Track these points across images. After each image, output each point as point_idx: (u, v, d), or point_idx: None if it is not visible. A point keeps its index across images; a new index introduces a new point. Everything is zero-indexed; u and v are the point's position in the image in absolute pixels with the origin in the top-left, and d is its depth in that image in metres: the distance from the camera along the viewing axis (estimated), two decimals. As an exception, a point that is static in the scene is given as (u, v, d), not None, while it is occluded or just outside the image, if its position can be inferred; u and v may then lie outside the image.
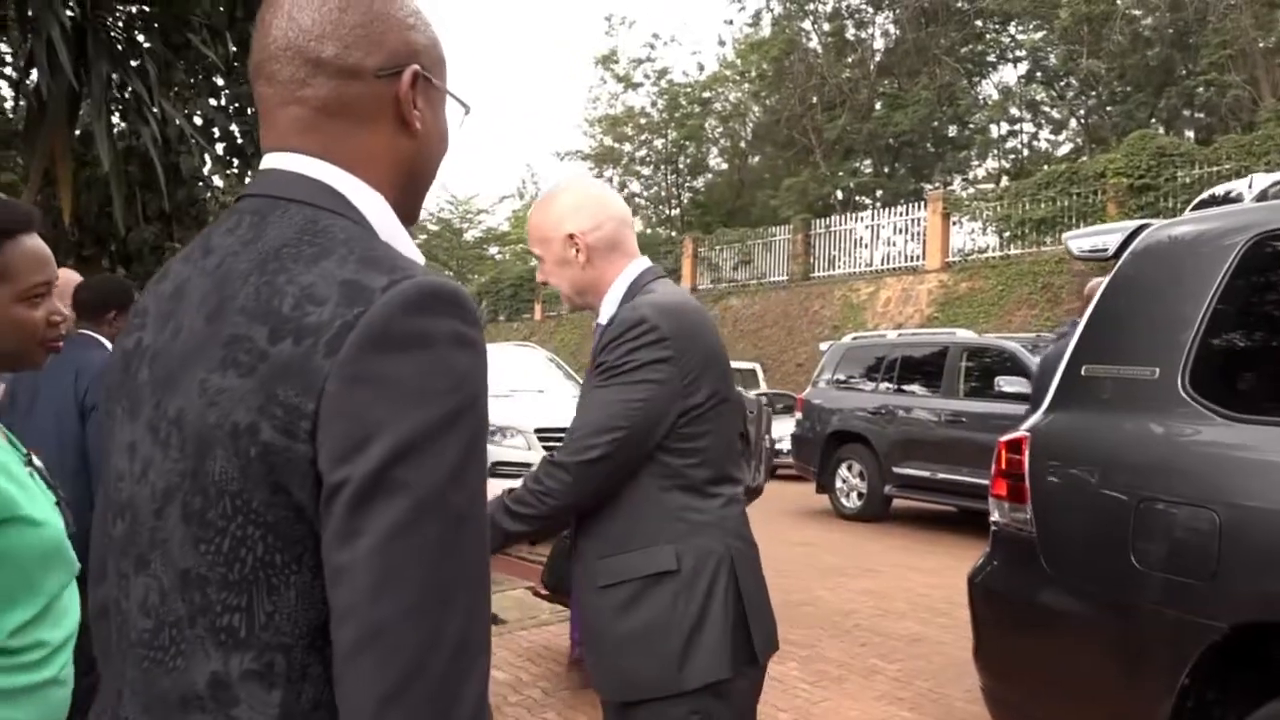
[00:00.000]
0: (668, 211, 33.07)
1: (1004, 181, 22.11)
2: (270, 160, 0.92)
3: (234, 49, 6.86)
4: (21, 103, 6.45)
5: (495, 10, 73.37)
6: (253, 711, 0.79)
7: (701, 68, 31.66)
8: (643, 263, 1.96)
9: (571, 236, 1.88)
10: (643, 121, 31.67)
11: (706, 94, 31.13)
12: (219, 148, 7.14)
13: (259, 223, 0.88)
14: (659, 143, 31.97)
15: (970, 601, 3.08)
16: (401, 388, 0.77)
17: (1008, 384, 8.38)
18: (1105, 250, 3.04)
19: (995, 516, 3.03)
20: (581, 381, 1.96)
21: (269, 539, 0.79)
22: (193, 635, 0.81)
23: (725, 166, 33.01)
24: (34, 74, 5.48)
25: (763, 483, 4.29)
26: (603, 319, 1.92)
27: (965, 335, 10.43)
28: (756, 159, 31.79)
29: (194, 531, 0.81)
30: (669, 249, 24.96)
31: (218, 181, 7.08)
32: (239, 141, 7.09)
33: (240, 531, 0.79)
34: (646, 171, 32.94)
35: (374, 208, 0.92)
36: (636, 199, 33.39)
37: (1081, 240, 3.19)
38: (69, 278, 3.40)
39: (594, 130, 32.73)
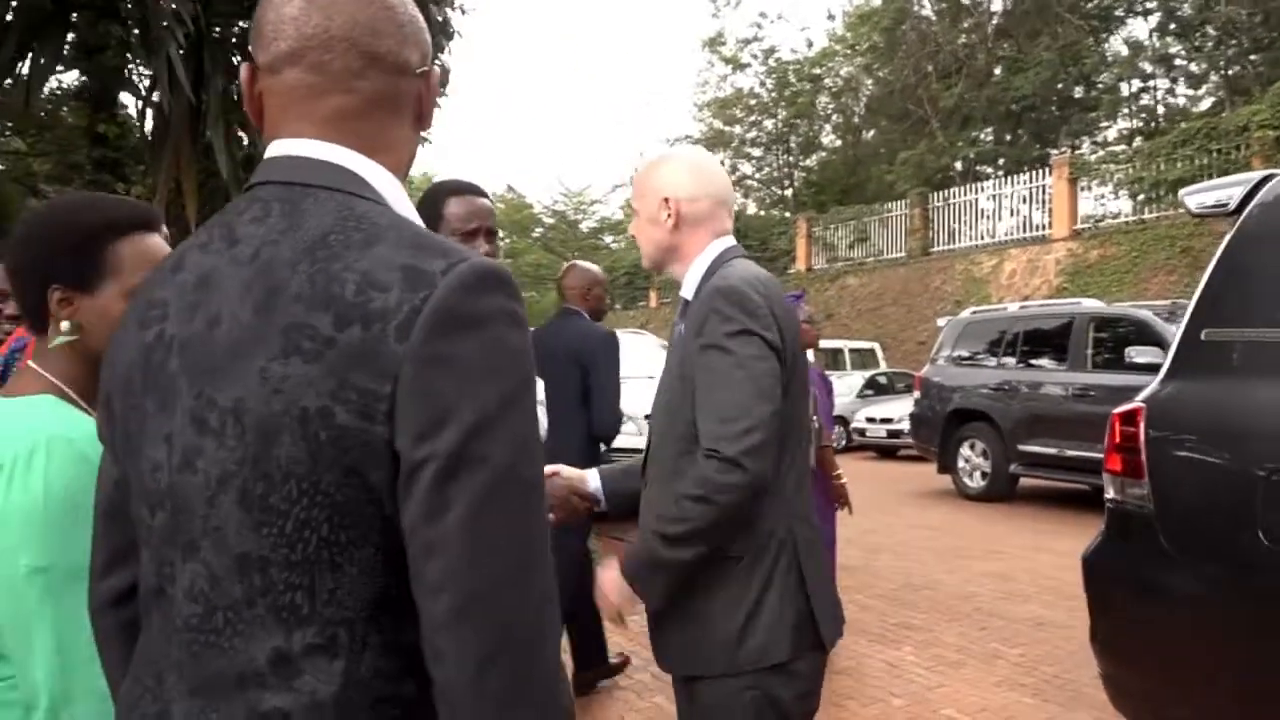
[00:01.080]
0: (780, 192, 32.64)
1: (1136, 142, 20.92)
2: (289, 147, 0.93)
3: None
4: (150, 119, 6.83)
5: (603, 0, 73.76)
6: (317, 682, 0.82)
7: (810, 44, 31.15)
8: (727, 240, 1.95)
9: (666, 200, 1.90)
10: (752, 103, 31.32)
11: (816, 70, 30.54)
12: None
13: (291, 211, 0.89)
14: (769, 123, 31.56)
15: (1085, 583, 2.92)
16: (471, 366, 0.82)
17: (1139, 354, 7.94)
18: (1227, 205, 2.82)
19: (1110, 493, 2.86)
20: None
21: (335, 519, 0.82)
22: (251, 615, 0.83)
23: (838, 143, 32.34)
24: (156, 94, 5.81)
25: (812, 465, 4.08)
26: (686, 293, 1.92)
27: (1092, 305, 9.92)
28: (870, 134, 31.02)
29: (254, 516, 0.83)
30: (782, 230, 24.66)
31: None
32: (350, 145, 7.34)
33: (305, 514, 0.82)
34: (757, 153, 32.59)
35: (396, 194, 0.96)
36: (748, 181, 33.08)
37: (1200, 195, 2.96)
38: None
39: (703, 114, 32.58)
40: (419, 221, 0.97)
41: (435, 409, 0.80)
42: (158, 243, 1.48)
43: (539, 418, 2.39)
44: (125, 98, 6.87)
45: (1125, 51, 24.43)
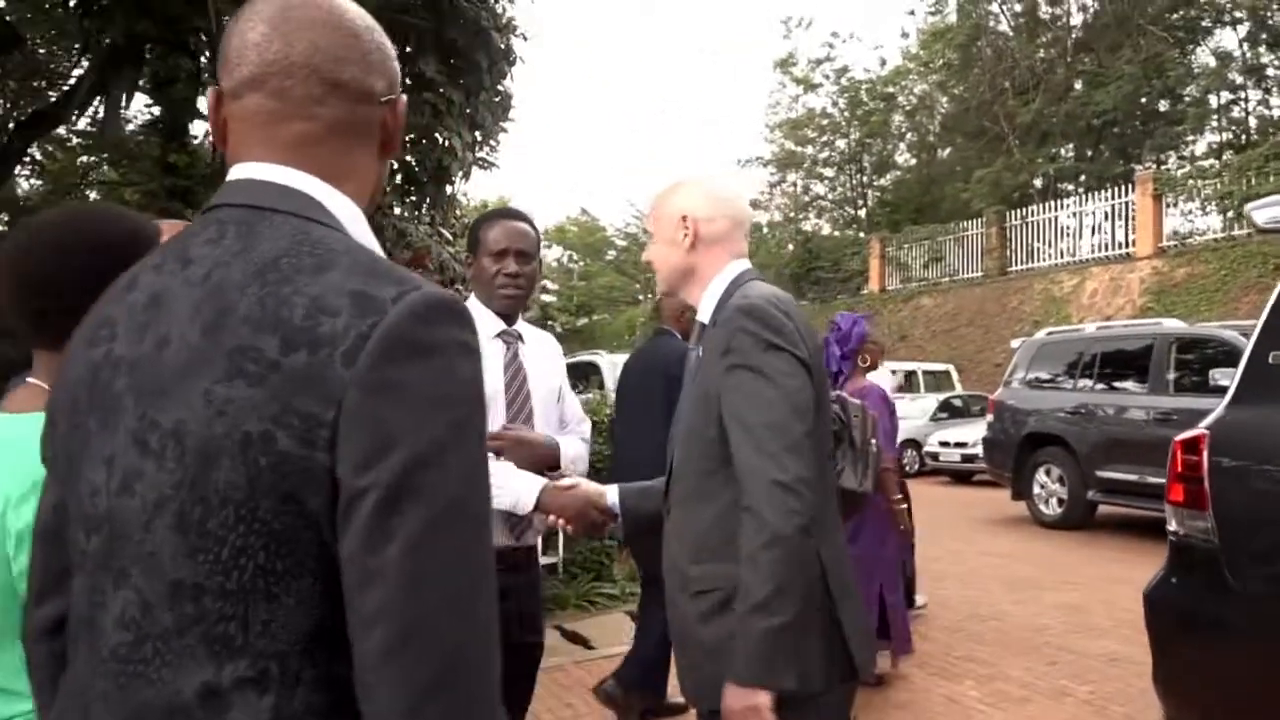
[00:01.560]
0: (853, 212, 32.28)
1: (1226, 156, 20.15)
2: (249, 171, 0.93)
3: (408, 82, 7.22)
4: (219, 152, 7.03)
5: (673, 20, 74.27)
6: (244, 717, 0.80)
7: (884, 62, 30.77)
8: (744, 263, 1.92)
9: (684, 218, 1.88)
10: (824, 123, 31.09)
11: (890, 89, 30.20)
12: (396, 178, 7.53)
13: (246, 233, 0.88)
14: (842, 143, 31.28)
15: (1147, 620, 2.77)
16: (418, 395, 0.80)
17: (1224, 377, 7.55)
18: (1297, 220, 2.67)
19: (1172, 525, 2.71)
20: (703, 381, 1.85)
21: (272, 546, 0.80)
22: (181, 646, 0.81)
23: (912, 162, 31.88)
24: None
25: (870, 489, 4.01)
26: (703, 316, 1.88)
27: (1173, 325, 9.54)
28: (946, 152, 30.49)
29: (190, 541, 0.81)
30: (855, 250, 24.38)
31: (395, 209, 7.46)
32: (414, 170, 7.46)
33: (242, 541, 0.80)
34: (830, 173, 32.30)
35: (355, 222, 0.96)
36: (820, 201, 32.80)
37: (1269, 210, 2.81)
38: None
39: (775, 135, 32.43)
40: (378, 249, 0.96)
41: (379, 436, 0.78)
42: None
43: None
44: (199, 127, 7.15)
45: (1213, 63, 23.60)
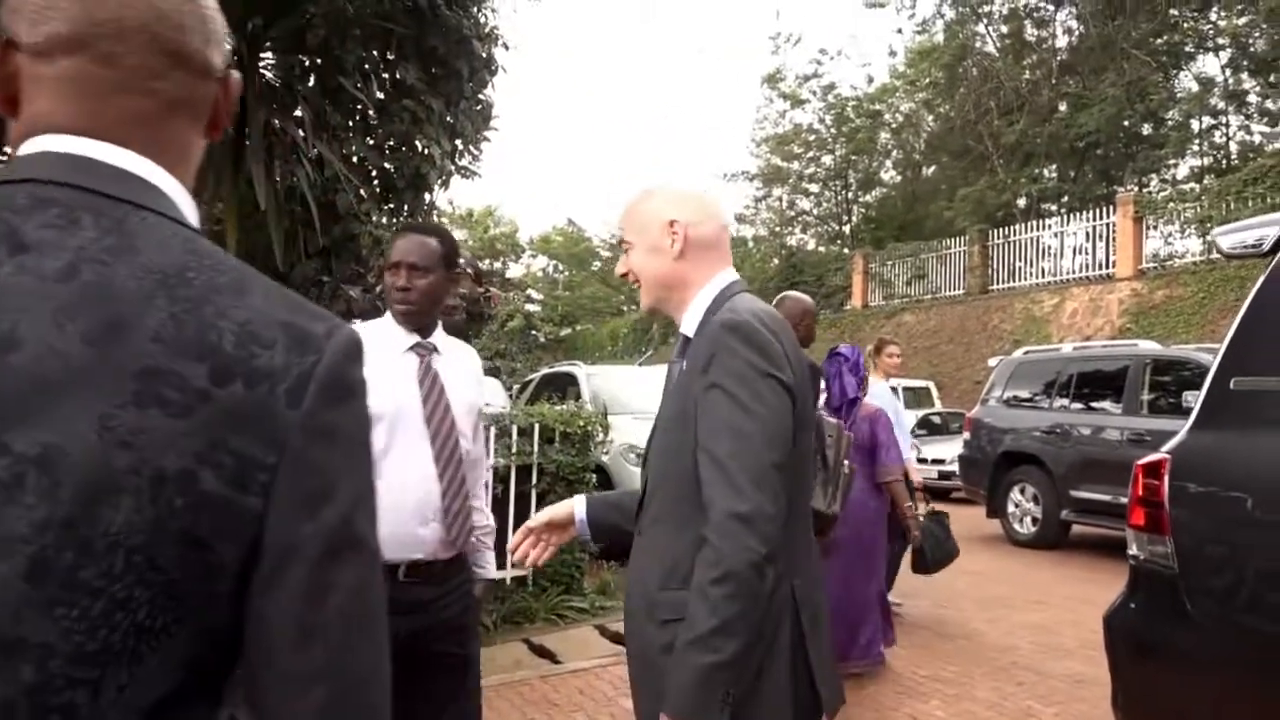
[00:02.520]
0: (838, 228, 32.41)
1: (1206, 180, 20.34)
2: (70, 145, 0.79)
3: (388, 89, 7.20)
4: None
5: (659, 34, 74.57)
6: None
7: (871, 80, 30.95)
8: (733, 273, 1.83)
9: (672, 223, 1.77)
10: (810, 138, 31.22)
11: (876, 106, 30.35)
12: (373, 185, 7.50)
13: (114, 228, 0.76)
14: (828, 159, 31.40)
15: (1107, 646, 2.77)
16: (351, 439, 0.78)
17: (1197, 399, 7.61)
18: (1260, 245, 2.67)
19: (1133, 549, 2.70)
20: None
21: (160, 601, 0.70)
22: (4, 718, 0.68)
23: (897, 179, 32.05)
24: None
25: (839, 509, 4.07)
26: (686, 329, 1.79)
27: (1149, 347, 9.59)
28: (930, 170, 30.67)
29: (48, 593, 0.67)
30: (839, 266, 24.44)
31: (372, 217, 7.42)
32: (392, 177, 7.43)
33: (125, 593, 0.69)
34: (815, 188, 32.42)
35: (193, 214, 0.85)
36: (805, 216, 32.89)
37: (1233, 235, 2.81)
38: None
39: (761, 150, 32.55)
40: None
41: (321, 483, 0.75)
42: None
43: None
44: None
45: (1195, 88, 23.83)
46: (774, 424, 1.59)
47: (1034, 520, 9.43)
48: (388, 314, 2.43)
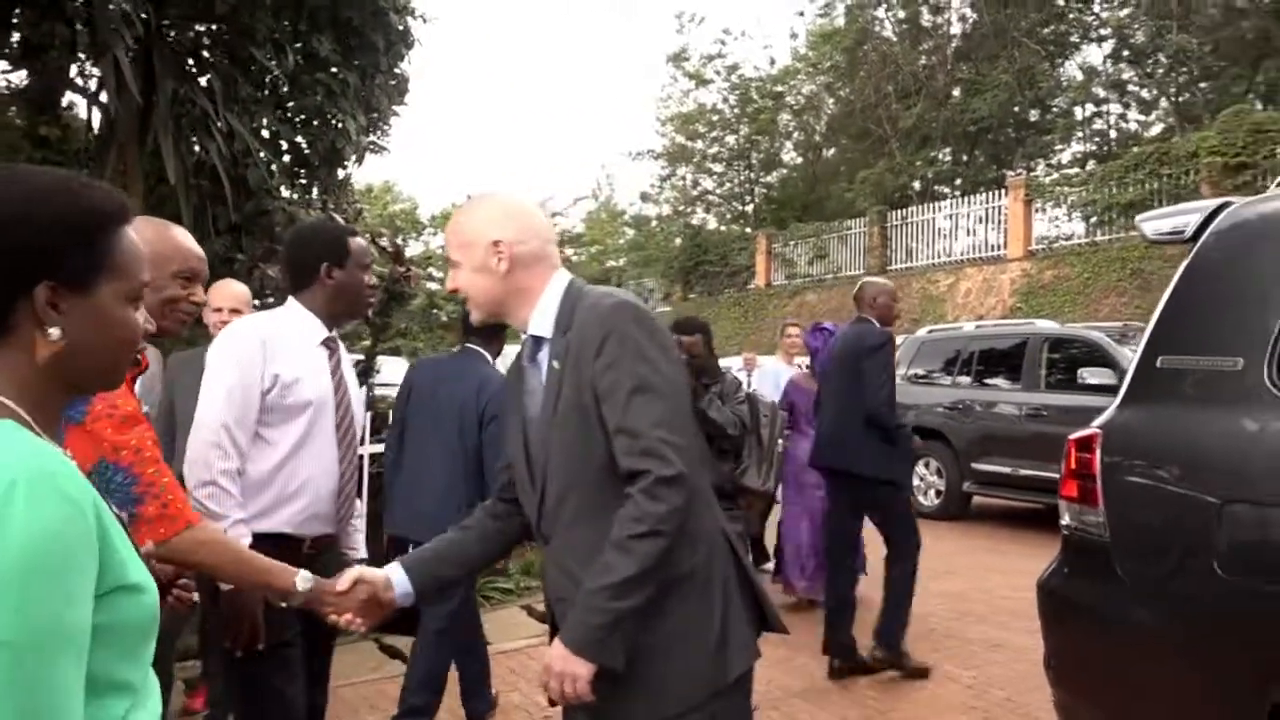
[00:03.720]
0: (741, 208, 32.80)
1: (1090, 165, 21.32)
2: None
3: (299, 61, 6.97)
4: (96, 123, 6.65)
5: (566, 11, 73.90)
6: None
7: (773, 61, 31.28)
8: (566, 274, 1.89)
9: (496, 244, 1.80)
10: (714, 118, 31.43)
11: (779, 88, 30.74)
12: (286, 159, 7.27)
13: None
14: (731, 139, 31.69)
15: (1040, 610, 2.91)
16: None
17: (1092, 376, 8.03)
18: (1183, 232, 2.82)
19: (1066, 519, 2.85)
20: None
21: None
22: None
23: (799, 161, 32.58)
24: (104, 93, 5.65)
25: (772, 488, 4.27)
26: (538, 330, 1.83)
27: (1046, 325, 10.04)
28: (831, 152, 31.29)
29: None
30: (743, 245, 24.74)
31: (285, 192, 7.20)
32: (305, 152, 7.22)
33: None
34: (719, 168, 32.69)
35: None
36: (709, 196, 33.16)
37: (1157, 222, 2.97)
38: (238, 290, 3.75)
39: (666, 129, 32.64)
40: None
41: None
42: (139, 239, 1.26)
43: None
44: (73, 99, 6.72)
45: (1080, 76, 24.92)
46: (679, 390, 1.72)
47: (938, 493, 9.80)
48: (293, 303, 2.50)
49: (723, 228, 31.02)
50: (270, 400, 2.35)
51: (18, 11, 5.35)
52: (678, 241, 28.90)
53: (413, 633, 3.94)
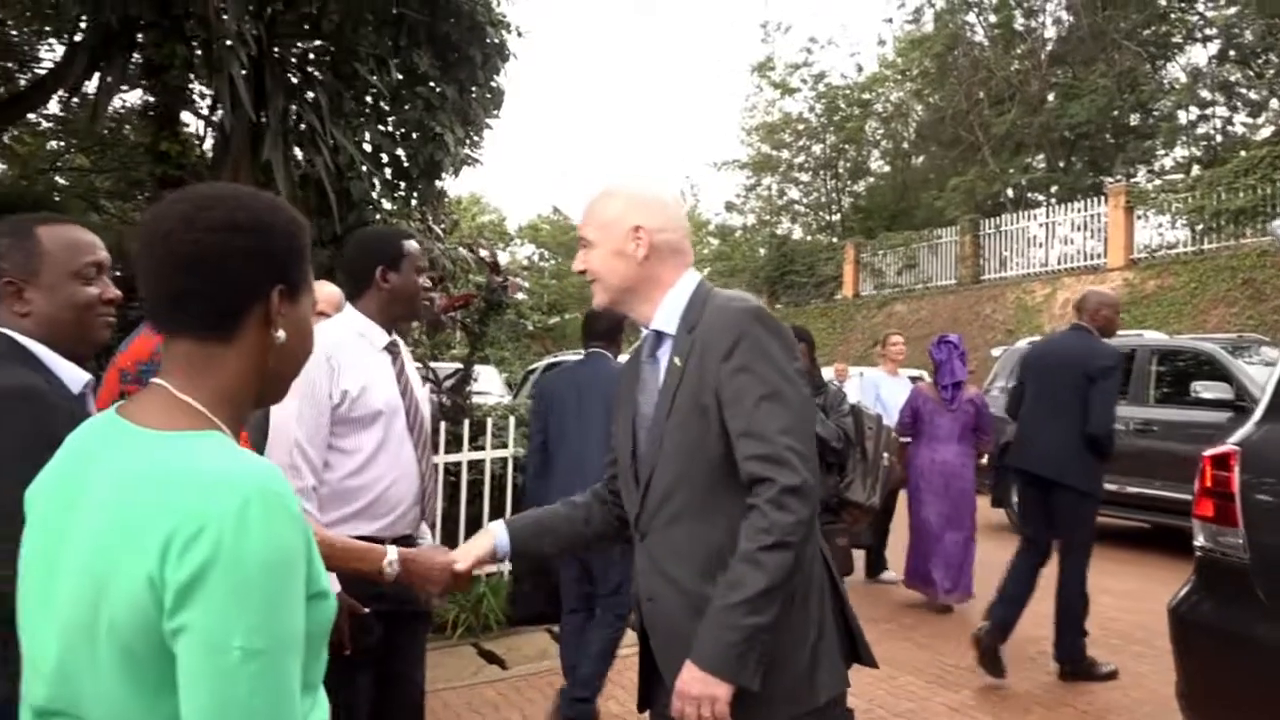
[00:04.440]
0: (828, 217, 32.45)
1: (1195, 170, 20.49)
2: None
3: (399, 77, 7.14)
4: (211, 138, 6.91)
5: (650, 23, 74.33)
6: None
7: (860, 69, 30.95)
8: (696, 274, 1.87)
9: (638, 229, 1.78)
10: (800, 127, 31.20)
11: (866, 95, 30.38)
12: (386, 172, 7.44)
13: None
14: (817, 148, 31.40)
15: (1172, 635, 2.78)
16: None
17: (1206, 389, 7.70)
18: (1326, 238, 2.68)
19: (1200, 540, 2.72)
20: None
21: None
22: None
23: (887, 169, 32.09)
24: (219, 110, 5.86)
25: (877, 502, 4.20)
26: (663, 325, 1.82)
27: (1155, 337, 9.67)
28: (920, 159, 30.74)
29: None
30: (829, 255, 24.46)
31: (386, 204, 7.37)
32: (404, 165, 7.37)
33: None
34: (805, 178, 32.43)
35: None
36: (795, 205, 32.92)
37: (1295, 227, 2.82)
38: (329, 291, 3.78)
39: (751, 138, 32.53)
40: None
41: None
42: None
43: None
44: (187, 116, 7.01)
45: (1184, 79, 24.00)
46: (807, 403, 1.70)
47: (1039, 509, 9.47)
48: (351, 310, 2.53)
49: (809, 237, 30.74)
50: (341, 413, 2.38)
51: (140, 33, 5.61)
52: (762, 251, 28.74)
53: (556, 620, 4.02)
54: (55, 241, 1.69)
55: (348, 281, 2.58)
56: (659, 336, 1.82)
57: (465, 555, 1.91)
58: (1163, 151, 24.38)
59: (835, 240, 27.34)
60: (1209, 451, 2.72)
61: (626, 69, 74.30)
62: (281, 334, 1.10)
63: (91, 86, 6.10)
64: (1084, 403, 4.63)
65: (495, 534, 1.94)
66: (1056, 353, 4.97)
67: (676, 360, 1.75)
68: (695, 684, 1.59)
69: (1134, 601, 6.31)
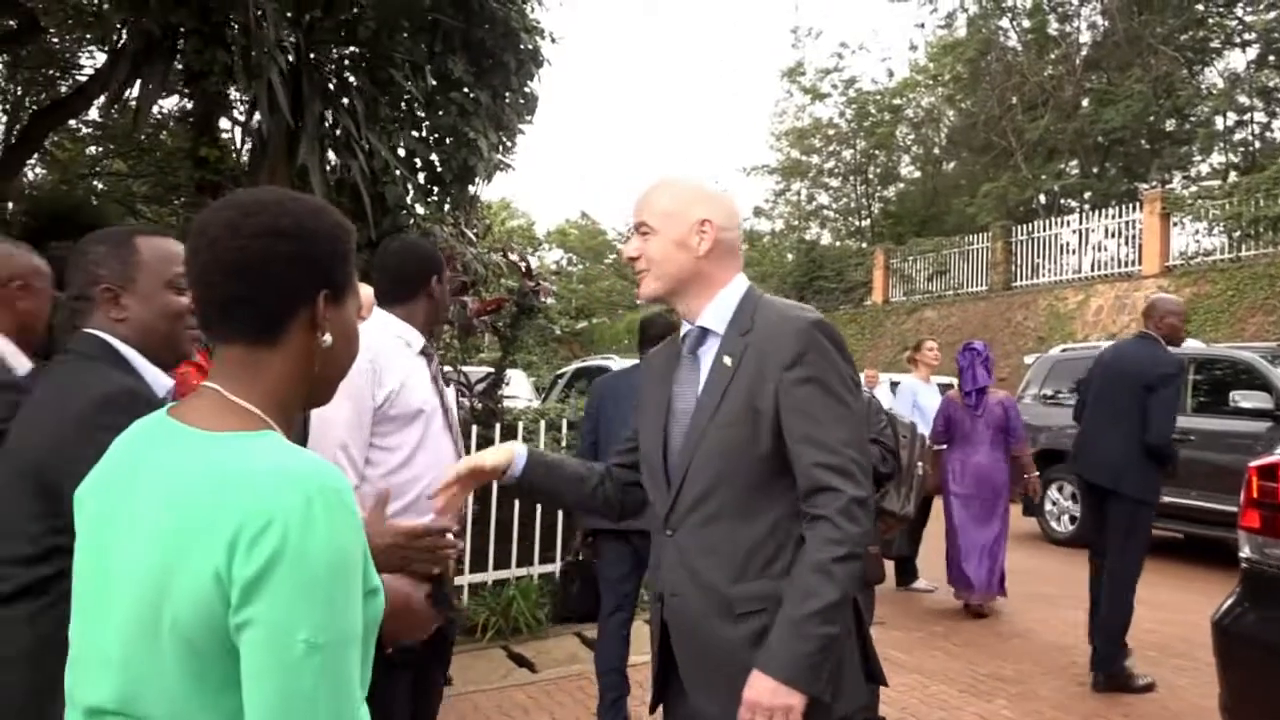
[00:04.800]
0: (857, 223, 32.30)
1: (1232, 177, 20.20)
2: None
3: (433, 82, 7.20)
4: (248, 143, 7.00)
5: (679, 28, 74.36)
6: None
7: (891, 74, 30.81)
8: (745, 278, 1.88)
9: (704, 222, 1.78)
10: (830, 133, 31.09)
11: (897, 101, 30.21)
12: (420, 177, 7.49)
13: None
14: (848, 153, 31.27)
15: (1216, 648, 2.73)
16: None
17: (1245, 399, 7.58)
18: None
19: (1246, 552, 2.68)
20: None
21: None
22: None
23: (917, 174, 31.89)
24: (256, 115, 5.93)
25: (911, 511, 4.18)
26: (710, 323, 1.81)
27: (1193, 345, 9.51)
28: (951, 165, 30.51)
29: None
30: (859, 261, 24.35)
31: (419, 209, 7.42)
32: (438, 170, 7.42)
33: None
34: (835, 183, 32.30)
35: None
36: (825, 211, 32.80)
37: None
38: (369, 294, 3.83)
39: (780, 144, 32.45)
40: None
41: None
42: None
43: None
44: (224, 122, 7.09)
45: (1221, 84, 23.66)
46: (863, 415, 1.75)
47: (1072, 519, 9.38)
48: (386, 314, 2.59)
49: (838, 243, 30.61)
50: (382, 412, 2.43)
51: (181, 40, 5.70)
52: (790, 257, 28.65)
53: (594, 619, 4.06)
54: (151, 251, 1.74)
55: (393, 287, 2.60)
56: (703, 334, 1.82)
57: (462, 462, 1.91)
58: (1199, 157, 24.05)
59: (865, 246, 27.20)
60: (1255, 462, 2.68)
61: (652, 73, 74.42)
62: (328, 338, 1.11)
63: (132, 93, 6.18)
64: (1143, 410, 4.63)
65: (516, 451, 1.92)
66: (1120, 359, 4.97)
67: (726, 360, 1.75)
68: (768, 694, 1.59)
69: (1170, 613, 6.22)
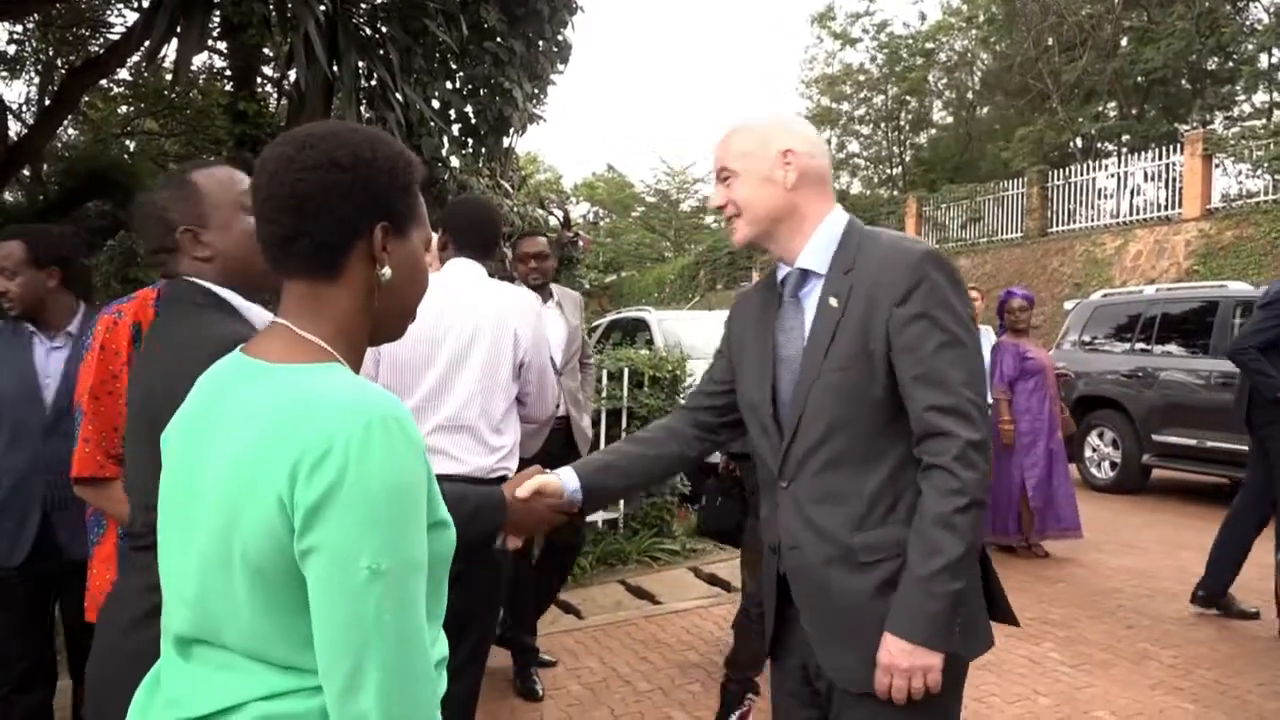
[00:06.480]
0: (889, 171, 31.87)
1: (1277, 116, 19.68)
2: None
3: (467, 31, 7.12)
4: (283, 100, 6.98)
5: (706, -23, 73.03)
6: None
7: (924, 17, 30.16)
8: (844, 211, 1.77)
9: (787, 153, 1.68)
10: (861, 79, 30.59)
11: (930, 44, 29.62)
12: (455, 129, 7.45)
13: None
14: (879, 99, 30.78)
15: (1278, 591, 2.71)
16: None
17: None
18: None
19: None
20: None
21: None
22: None
23: (950, 120, 31.35)
24: (293, 70, 5.91)
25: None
26: (811, 264, 1.72)
27: (1239, 288, 9.35)
28: (985, 110, 29.95)
29: None
30: (891, 209, 24.06)
31: (454, 162, 7.39)
32: (473, 121, 7.38)
33: None
34: (866, 130, 31.86)
35: None
36: (855, 159, 32.37)
37: None
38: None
39: (810, 91, 31.98)
40: None
41: None
42: None
43: None
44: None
45: (1267, 20, 22.94)
46: (980, 352, 1.64)
47: (1112, 465, 9.32)
48: (480, 268, 2.66)
49: (869, 192, 30.24)
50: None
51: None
52: (822, 206, 28.35)
53: (734, 537, 4.11)
54: (210, 181, 1.72)
55: (469, 241, 2.63)
56: (804, 276, 1.73)
57: (519, 484, 1.75)
58: (1243, 97, 23.44)
59: (896, 194, 26.86)
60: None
61: (679, 21, 73.27)
62: (387, 271, 1.10)
63: (169, 49, 6.18)
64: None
65: (563, 477, 1.78)
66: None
67: (832, 301, 1.66)
68: (905, 656, 1.56)
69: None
